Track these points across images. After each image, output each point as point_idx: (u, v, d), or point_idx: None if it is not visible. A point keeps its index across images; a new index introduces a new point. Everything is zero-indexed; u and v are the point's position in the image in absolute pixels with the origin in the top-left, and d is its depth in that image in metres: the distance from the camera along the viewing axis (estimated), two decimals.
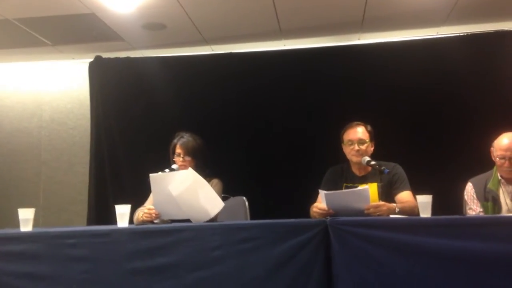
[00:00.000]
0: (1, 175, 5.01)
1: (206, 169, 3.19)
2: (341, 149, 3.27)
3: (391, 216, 2.72)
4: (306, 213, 3.07)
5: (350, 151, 3.19)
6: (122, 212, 2.52)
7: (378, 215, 2.70)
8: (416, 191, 2.83)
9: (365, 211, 2.70)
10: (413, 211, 2.84)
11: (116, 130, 4.69)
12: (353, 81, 4.36)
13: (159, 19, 4.12)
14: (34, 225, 2.52)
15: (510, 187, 3.10)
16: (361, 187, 2.94)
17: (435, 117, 4.27)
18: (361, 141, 3.16)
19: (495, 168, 3.14)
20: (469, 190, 3.19)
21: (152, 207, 2.88)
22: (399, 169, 3.17)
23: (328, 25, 4.32)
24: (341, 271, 2.21)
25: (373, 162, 3.04)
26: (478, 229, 2.15)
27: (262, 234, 2.27)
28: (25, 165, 5.03)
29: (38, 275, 2.31)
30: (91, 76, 4.83)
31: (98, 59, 4.79)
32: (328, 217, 2.50)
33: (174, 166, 3.17)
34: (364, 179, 3.18)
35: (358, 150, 3.14)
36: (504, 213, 3.05)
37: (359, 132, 3.19)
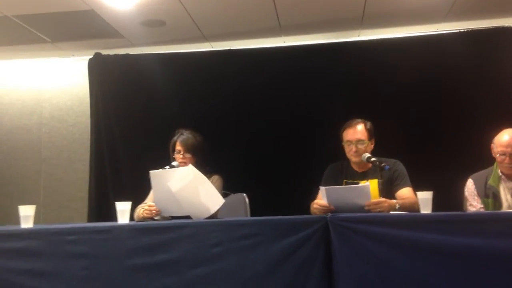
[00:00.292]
0: (2, 173, 5.01)
1: (206, 166, 3.20)
2: (341, 145, 3.27)
3: (392, 212, 2.73)
4: (306, 209, 3.07)
5: (349, 151, 3.19)
6: (123, 209, 2.52)
7: (379, 212, 2.70)
8: (416, 187, 2.83)
9: (366, 208, 2.70)
10: (414, 207, 2.83)
11: (116, 127, 4.69)
12: (353, 78, 4.35)
13: (159, 16, 4.11)
14: (35, 222, 2.52)
15: (511, 183, 3.10)
16: (362, 183, 2.94)
17: (435, 113, 4.26)
18: (359, 142, 3.15)
19: (495, 164, 3.14)
20: (470, 186, 3.19)
21: (152, 203, 2.88)
22: (400, 166, 3.17)
23: (328, 22, 4.31)
24: (341, 267, 2.21)
25: (373, 159, 3.04)
26: (479, 226, 2.15)
27: (262, 230, 2.28)
28: (25, 163, 5.04)
29: (38, 271, 2.31)
30: (91, 73, 4.83)
31: (97, 56, 4.79)
32: (329, 213, 2.50)
33: (174, 163, 3.17)
34: (365, 176, 3.18)
35: (356, 151, 3.13)
36: (505, 209, 3.04)
37: (358, 132, 3.17)
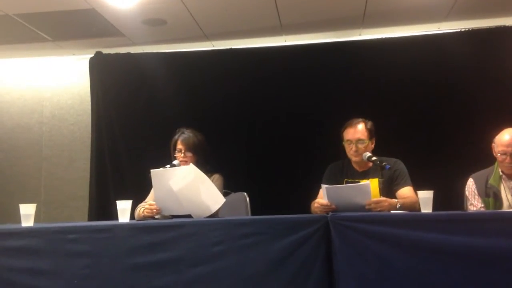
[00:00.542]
0: (3, 171, 5.01)
1: (207, 164, 3.20)
2: (342, 144, 3.27)
3: (393, 211, 2.73)
4: (307, 208, 3.07)
5: (349, 151, 3.19)
6: (124, 207, 2.52)
7: (379, 211, 2.70)
8: (417, 186, 2.83)
9: (366, 207, 2.71)
10: (414, 206, 2.84)
11: (117, 125, 4.69)
12: (354, 77, 4.35)
13: (160, 15, 4.11)
14: (35, 221, 2.52)
15: (511, 182, 3.10)
16: (363, 182, 2.94)
17: (436, 112, 4.26)
18: (359, 141, 3.15)
19: (496, 164, 3.14)
20: (470, 186, 3.19)
21: (153, 202, 2.88)
22: (400, 165, 3.17)
23: (329, 21, 4.31)
24: (342, 266, 2.21)
25: (374, 158, 3.04)
26: (479, 225, 2.15)
27: (263, 229, 2.27)
28: (26, 161, 5.04)
29: (39, 270, 2.31)
30: (92, 71, 4.83)
31: (98, 54, 4.79)
32: (329, 212, 2.50)
33: (175, 162, 3.18)
34: (365, 175, 3.18)
35: (356, 150, 3.13)
36: (505, 208, 3.05)
37: (358, 131, 3.17)
